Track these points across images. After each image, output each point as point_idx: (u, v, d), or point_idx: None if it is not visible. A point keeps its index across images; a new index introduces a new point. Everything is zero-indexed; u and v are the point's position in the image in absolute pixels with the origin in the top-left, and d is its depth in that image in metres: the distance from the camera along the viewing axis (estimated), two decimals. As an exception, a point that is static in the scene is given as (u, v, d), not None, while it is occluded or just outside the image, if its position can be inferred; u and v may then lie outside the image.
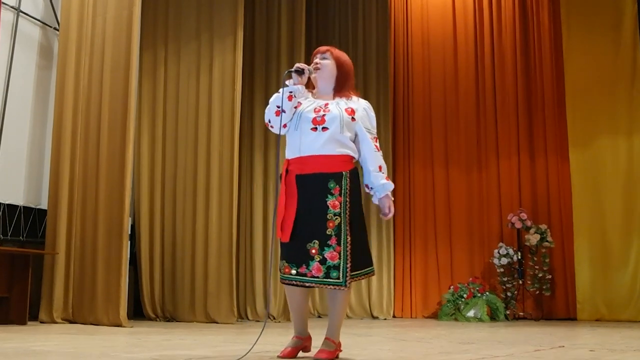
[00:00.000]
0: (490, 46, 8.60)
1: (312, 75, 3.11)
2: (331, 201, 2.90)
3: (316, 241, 2.86)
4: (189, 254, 6.24)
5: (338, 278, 2.83)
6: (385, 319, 7.81)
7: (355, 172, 3.00)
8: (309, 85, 3.18)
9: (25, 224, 5.99)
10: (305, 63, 3.14)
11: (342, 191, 2.91)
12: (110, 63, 5.82)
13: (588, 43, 7.97)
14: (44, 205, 6.06)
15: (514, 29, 8.54)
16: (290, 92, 3.02)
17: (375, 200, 3.08)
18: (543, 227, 7.80)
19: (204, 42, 6.53)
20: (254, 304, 6.84)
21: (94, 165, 5.74)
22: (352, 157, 3.02)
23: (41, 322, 5.49)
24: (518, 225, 7.78)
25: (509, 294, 7.76)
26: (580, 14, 8.07)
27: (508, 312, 7.67)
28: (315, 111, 3.01)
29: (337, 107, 3.01)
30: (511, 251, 7.76)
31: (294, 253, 2.90)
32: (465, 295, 7.60)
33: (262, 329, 2.97)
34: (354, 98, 3.11)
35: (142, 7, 6.13)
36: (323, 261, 2.84)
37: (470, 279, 7.89)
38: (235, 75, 6.34)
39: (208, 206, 6.24)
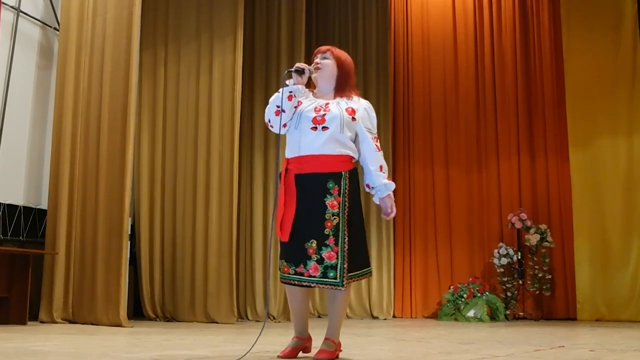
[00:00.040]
0: (490, 46, 8.60)
1: (313, 75, 3.11)
2: (330, 201, 2.90)
3: (314, 241, 2.86)
4: (189, 254, 6.25)
5: (335, 278, 2.83)
6: (385, 319, 7.81)
7: (355, 173, 3.00)
8: (310, 85, 3.18)
9: (25, 224, 5.99)
10: (306, 63, 3.13)
11: (341, 191, 2.91)
12: (110, 63, 5.82)
13: (588, 43, 7.97)
14: (44, 205, 6.06)
15: (514, 29, 8.54)
16: (290, 91, 3.02)
17: (376, 200, 3.07)
18: (543, 227, 7.80)
19: (204, 42, 6.53)
20: (254, 304, 6.84)
21: (94, 165, 5.74)
22: (352, 157, 3.02)
23: (41, 322, 5.49)
24: (518, 225, 7.78)
25: (509, 294, 7.76)
26: (580, 14, 8.07)
27: (508, 312, 7.67)
28: (315, 110, 3.01)
29: (338, 106, 3.01)
30: (511, 251, 7.77)
31: (293, 252, 2.90)
32: (465, 295, 7.60)
33: (262, 329, 2.97)
34: (355, 98, 3.10)
35: (142, 7, 6.13)
36: (320, 261, 2.84)
37: (470, 279, 7.89)
38: (235, 75, 6.34)
39: (208, 206, 6.24)
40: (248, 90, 7.15)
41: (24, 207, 6.01)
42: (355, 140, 3.03)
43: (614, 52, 7.87)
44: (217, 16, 6.51)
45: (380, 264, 8.12)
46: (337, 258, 2.84)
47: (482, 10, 8.71)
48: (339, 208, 2.89)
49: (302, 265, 2.87)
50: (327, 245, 2.85)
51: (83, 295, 5.56)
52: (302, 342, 3.04)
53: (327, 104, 3.03)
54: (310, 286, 2.91)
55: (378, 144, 3.05)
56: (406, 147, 8.71)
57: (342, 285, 2.83)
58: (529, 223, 7.77)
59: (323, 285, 2.85)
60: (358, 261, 2.93)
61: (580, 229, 7.70)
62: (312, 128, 2.96)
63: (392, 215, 3.04)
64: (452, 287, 7.83)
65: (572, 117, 7.93)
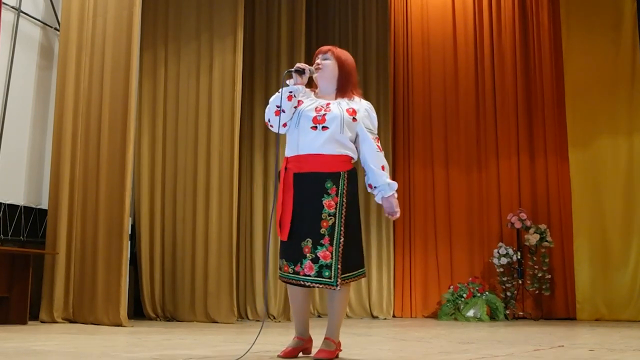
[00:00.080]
0: (490, 46, 8.60)
1: (314, 76, 3.11)
2: (327, 201, 2.90)
3: (310, 240, 2.87)
4: (189, 254, 6.25)
5: (330, 277, 2.84)
6: (385, 319, 7.82)
7: (354, 173, 3.00)
8: (312, 85, 3.18)
9: (25, 224, 5.99)
10: (306, 63, 3.14)
11: (339, 191, 2.92)
12: (111, 63, 5.83)
13: (588, 43, 7.97)
14: (44, 205, 6.07)
15: (514, 29, 8.54)
16: (290, 91, 3.02)
17: (378, 200, 3.07)
18: (543, 227, 7.81)
19: (204, 42, 6.53)
20: (254, 304, 6.85)
21: (95, 165, 5.75)
22: (351, 158, 3.02)
23: (42, 322, 5.50)
24: (518, 225, 7.79)
25: (508, 293, 7.77)
26: (580, 14, 8.07)
27: (508, 312, 7.67)
28: (316, 110, 3.01)
29: (339, 107, 3.01)
30: (511, 251, 7.77)
31: (291, 251, 2.92)
32: (465, 295, 7.60)
33: (261, 329, 2.97)
34: (356, 99, 3.10)
35: (142, 7, 6.14)
36: (315, 260, 2.85)
37: (470, 278, 7.90)
38: (235, 76, 6.35)
39: (208, 206, 6.25)
40: (248, 90, 7.15)
41: (24, 207, 6.01)
42: (355, 140, 3.04)
43: (614, 52, 7.87)
44: (217, 16, 6.51)
45: (380, 264, 8.13)
46: (332, 258, 2.85)
47: (482, 11, 8.71)
48: (335, 208, 2.90)
49: (298, 264, 2.88)
50: (322, 245, 2.86)
51: (83, 295, 5.57)
52: (303, 343, 3.04)
53: (328, 104, 3.04)
54: (308, 286, 2.91)
55: (379, 145, 3.05)
56: (406, 147, 8.71)
57: (336, 285, 2.84)
58: (528, 223, 7.78)
59: (318, 285, 2.86)
60: (352, 262, 2.94)
61: (580, 228, 7.71)
62: (312, 127, 2.96)
63: (397, 214, 3.05)
64: (451, 286, 7.84)
65: (571, 117, 7.94)
